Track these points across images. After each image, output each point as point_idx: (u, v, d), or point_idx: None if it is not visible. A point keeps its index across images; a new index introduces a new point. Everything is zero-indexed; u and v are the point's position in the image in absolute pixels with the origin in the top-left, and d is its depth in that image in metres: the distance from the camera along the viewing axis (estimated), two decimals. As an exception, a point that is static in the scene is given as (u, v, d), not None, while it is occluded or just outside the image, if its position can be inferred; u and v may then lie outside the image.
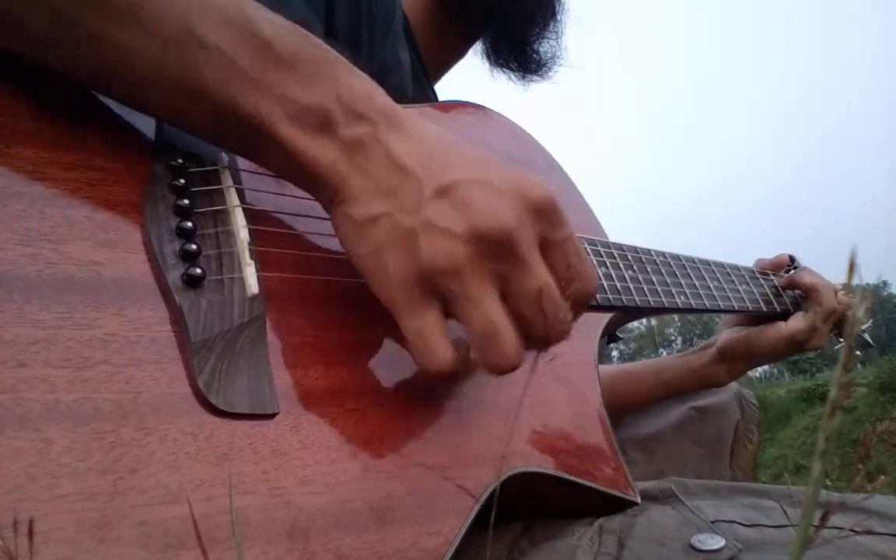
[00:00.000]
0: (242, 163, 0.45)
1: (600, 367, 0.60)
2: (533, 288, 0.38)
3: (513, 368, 0.39)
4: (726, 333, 0.88)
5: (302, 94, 0.39)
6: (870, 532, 0.39)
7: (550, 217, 0.39)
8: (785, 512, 0.43)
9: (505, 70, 0.85)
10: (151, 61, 0.37)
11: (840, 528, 0.38)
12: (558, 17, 0.82)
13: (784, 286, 0.88)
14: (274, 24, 0.39)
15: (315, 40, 0.41)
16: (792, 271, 0.93)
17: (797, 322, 0.84)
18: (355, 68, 0.41)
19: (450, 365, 0.39)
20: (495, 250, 0.38)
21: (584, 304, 0.42)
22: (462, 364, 0.40)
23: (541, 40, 0.82)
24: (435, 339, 0.38)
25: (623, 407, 0.92)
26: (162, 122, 0.43)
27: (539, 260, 0.39)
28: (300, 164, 0.39)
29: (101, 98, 0.42)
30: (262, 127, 0.38)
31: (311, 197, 0.47)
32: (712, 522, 0.44)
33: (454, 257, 0.37)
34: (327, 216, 0.42)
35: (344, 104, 0.39)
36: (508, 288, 0.39)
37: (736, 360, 0.87)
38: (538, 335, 0.40)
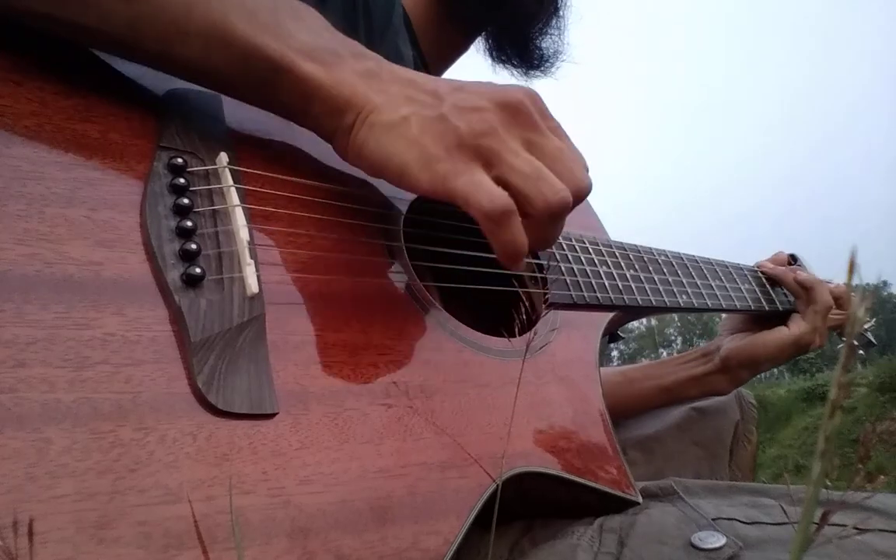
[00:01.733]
0: (242, 163, 0.45)
1: (601, 370, 0.60)
2: (554, 145, 0.45)
3: (565, 200, 0.44)
4: (728, 342, 0.87)
5: (312, 39, 0.45)
6: (871, 530, 0.39)
7: (539, 105, 0.46)
8: (784, 510, 0.43)
9: (507, 66, 0.85)
10: (182, 9, 0.41)
11: (841, 526, 0.38)
12: (561, 13, 0.82)
13: (776, 276, 0.86)
14: None
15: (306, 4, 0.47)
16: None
17: (799, 325, 0.83)
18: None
19: (507, 200, 0.42)
20: (516, 116, 0.44)
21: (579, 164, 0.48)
22: (513, 210, 0.43)
23: (543, 36, 0.82)
24: (488, 184, 0.43)
25: (623, 412, 0.91)
26: (166, 112, 0.44)
27: (548, 130, 0.46)
28: (324, 94, 0.44)
29: (101, 98, 0.42)
30: (285, 66, 0.43)
31: (311, 197, 0.46)
32: (713, 520, 0.44)
33: (489, 121, 0.43)
34: (327, 216, 0.42)
35: (348, 46, 0.46)
36: (532, 148, 0.45)
37: (739, 369, 0.86)
38: (566, 175, 0.45)
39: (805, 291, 0.85)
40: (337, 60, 0.45)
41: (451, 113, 0.43)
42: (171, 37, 0.42)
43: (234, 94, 0.46)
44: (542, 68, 0.84)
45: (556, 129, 0.47)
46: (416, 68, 0.75)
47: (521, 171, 0.43)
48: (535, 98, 0.46)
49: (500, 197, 0.42)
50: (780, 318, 0.85)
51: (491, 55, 0.84)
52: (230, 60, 0.43)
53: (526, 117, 0.45)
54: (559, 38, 0.83)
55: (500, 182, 0.43)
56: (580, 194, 0.46)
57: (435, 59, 0.81)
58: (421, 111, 0.44)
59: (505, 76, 0.85)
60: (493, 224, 0.42)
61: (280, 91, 0.44)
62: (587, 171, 0.47)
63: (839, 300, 0.87)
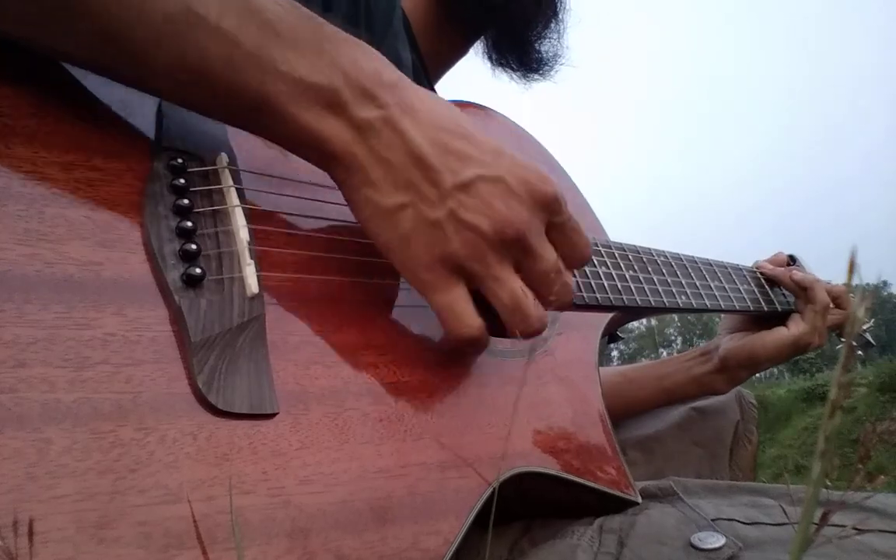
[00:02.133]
0: (242, 163, 0.45)
1: (601, 370, 0.60)
2: (543, 269, 0.44)
3: (541, 328, 0.45)
4: (727, 341, 0.87)
5: (306, 72, 0.39)
6: (870, 530, 0.39)
7: (554, 207, 0.44)
8: (784, 510, 0.43)
9: (506, 69, 0.85)
10: (151, 40, 0.36)
11: (841, 526, 0.38)
12: (560, 16, 0.82)
13: (774, 276, 0.86)
14: (274, 2, 0.39)
15: (316, 17, 0.41)
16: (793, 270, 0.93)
17: (798, 325, 0.83)
18: (361, 42, 0.42)
19: (479, 331, 0.43)
20: (512, 245, 0.43)
21: (583, 264, 0.50)
22: (484, 339, 0.44)
23: (542, 39, 0.82)
24: (464, 310, 0.43)
25: (623, 412, 0.91)
26: (166, 112, 0.43)
27: (547, 245, 0.45)
28: (313, 143, 0.40)
29: (101, 98, 0.42)
30: (269, 106, 0.39)
31: (311, 197, 0.46)
32: (712, 521, 0.44)
33: (480, 248, 0.42)
34: (327, 216, 0.42)
35: (351, 82, 0.40)
36: (523, 268, 0.44)
37: (738, 369, 0.86)
38: (549, 300, 0.46)
39: (803, 291, 0.85)
40: (332, 104, 0.40)
41: (448, 222, 0.41)
42: (143, 71, 0.38)
43: (232, 125, 0.44)
44: (541, 72, 0.84)
45: (562, 236, 0.46)
46: (416, 72, 0.75)
47: (502, 301, 0.43)
48: (544, 209, 0.44)
49: (470, 327, 0.43)
50: (780, 318, 0.85)
51: (490, 58, 0.84)
52: (207, 97, 0.39)
53: (523, 245, 0.43)
54: (558, 41, 0.83)
55: (482, 294, 0.44)
56: (564, 306, 0.48)
57: (434, 62, 0.81)
58: (418, 206, 0.41)
59: (504, 79, 0.85)
60: (465, 346, 0.44)
61: (266, 130, 0.41)
62: (580, 267, 0.50)
63: (837, 300, 0.87)
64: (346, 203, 0.44)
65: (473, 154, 0.42)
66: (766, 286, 0.87)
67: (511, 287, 0.43)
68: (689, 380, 0.88)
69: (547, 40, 0.82)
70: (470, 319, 0.43)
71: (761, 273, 0.88)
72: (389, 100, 0.41)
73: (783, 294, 0.87)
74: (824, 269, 0.93)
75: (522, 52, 0.82)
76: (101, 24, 0.36)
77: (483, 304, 0.44)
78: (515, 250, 0.43)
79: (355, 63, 0.40)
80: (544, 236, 0.45)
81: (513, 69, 0.84)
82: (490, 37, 0.83)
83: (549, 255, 0.45)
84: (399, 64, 0.70)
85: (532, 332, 0.45)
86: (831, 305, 0.86)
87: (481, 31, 0.83)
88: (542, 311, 0.45)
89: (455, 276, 0.43)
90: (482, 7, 0.78)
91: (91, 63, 0.39)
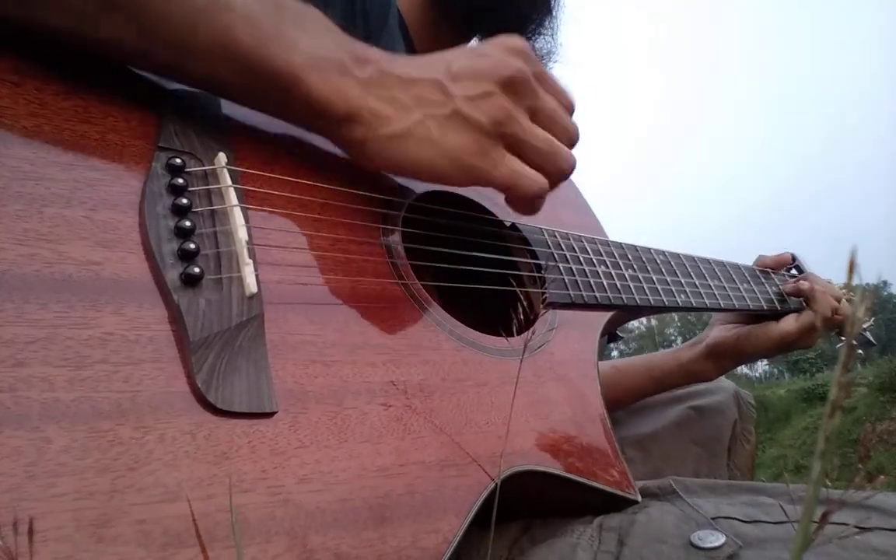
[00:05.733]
0: (241, 163, 0.45)
1: None
2: (550, 106, 0.50)
3: (574, 165, 0.51)
4: (718, 330, 0.90)
5: (316, 48, 0.44)
6: (871, 529, 0.39)
7: (530, 57, 0.49)
8: (783, 509, 0.43)
9: None
10: (187, 26, 0.41)
11: (843, 524, 0.38)
12: (554, 14, 0.82)
13: (790, 293, 0.88)
14: None
15: (313, 8, 0.47)
16: (794, 271, 0.93)
17: (788, 324, 0.85)
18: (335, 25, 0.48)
19: (544, 185, 0.49)
20: (518, 88, 0.47)
21: (572, 107, 0.54)
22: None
23: (537, 37, 0.82)
24: (527, 171, 0.48)
25: (615, 403, 0.92)
26: (165, 112, 0.44)
27: (541, 88, 0.50)
28: (331, 109, 0.44)
29: (100, 98, 0.42)
30: (293, 77, 0.43)
31: (310, 197, 0.46)
32: (712, 519, 0.44)
33: (503, 106, 0.46)
34: (326, 215, 0.42)
35: (349, 52, 0.46)
36: (537, 117, 0.49)
37: (724, 358, 0.89)
38: (562, 139, 0.51)
39: (811, 300, 0.87)
40: (341, 71, 0.45)
41: (465, 106, 0.46)
42: (180, 54, 0.42)
43: (247, 105, 0.47)
44: None
45: (549, 85, 0.51)
46: None
47: (540, 150, 0.49)
48: (529, 58, 0.49)
49: (540, 181, 0.48)
50: (776, 316, 0.86)
51: None
52: (238, 74, 0.43)
53: (526, 86, 0.48)
54: (552, 38, 0.83)
55: (522, 158, 0.48)
56: (573, 144, 0.52)
57: None
58: (434, 111, 0.45)
59: None
60: (531, 203, 0.50)
61: (289, 104, 0.45)
62: (573, 112, 0.53)
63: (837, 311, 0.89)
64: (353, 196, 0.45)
65: (446, 56, 0.49)
66: (766, 285, 0.87)
67: (541, 134, 0.49)
68: (677, 366, 0.91)
69: (541, 37, 0.83)
70: (535, 176, 0.48)
71: (772, 273, 0.89)
72: (373, 58, 0.47)
73: (781, 293, 0.88)
74: (823, 268, 0.94)
75: None
76: (144, 18, 0.40)
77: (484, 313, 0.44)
78: (525, 96, 0.48)
79: (344, 38, 0.47)
80: (538, 86, 0.49)
81: None
82: (485, 34, 0.83)
83: (545, 93, 0.50)
84: None
85: (570, 166, 0.50)
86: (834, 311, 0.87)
87: (476, 29, 0.83)
88: (568, 149, 0.50)
89: (499, 147, 0.47)
90: (476, 5, 0.78)
91: (133, 53, 0.43)
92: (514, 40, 0.49)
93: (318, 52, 0.44)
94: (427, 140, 0.45)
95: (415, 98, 0.46)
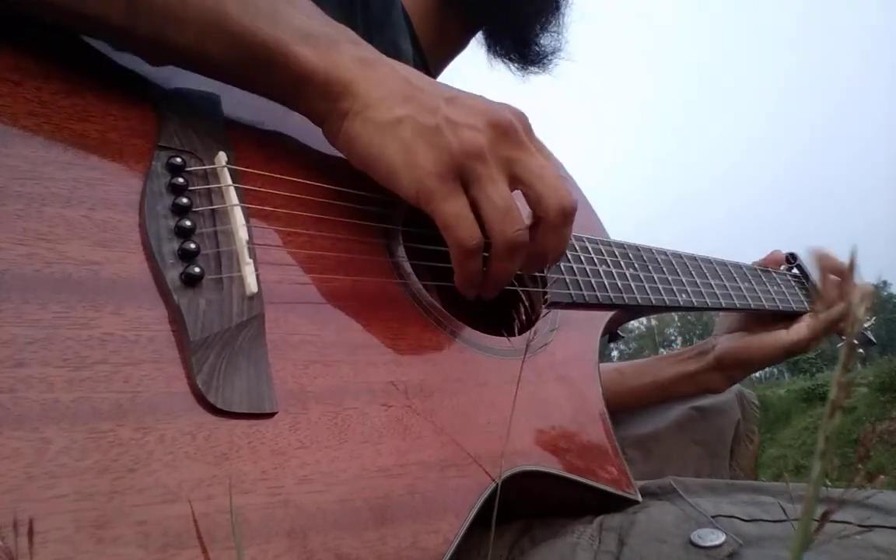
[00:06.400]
0: (241, 162, 0.45)
1: None
2: (537, 164, 0.48)
3: (522, 238, 0.47)
4: (724, 340, 0.87)
5: (308, 24, 0.45)
6: (871, 527, 0.39)
7: (528, 124, 0.49)
8: (783, 508, 0.43)
9: (505, 62, 0.84)
10: (178, 2, 0.41)
11: (843, 523, 0.38)
12: (561, 11, 0.82)
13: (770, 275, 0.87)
14: None
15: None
16: (795, 270, 0.93)
17: (799, 331, 0.84)
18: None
19: (480, 243, 0.46)
20: (503, 136, 0.46)
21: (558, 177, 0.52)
22: (480, 255, 0.47)
23: (543, 33, 0.82)
24: (469, 218, 0.45)
25: (618, 407, 0.91)
26: (165, 112, 0.44)
27: (533, 147, 0.48)
28: (319, 78, 0.44)
29: (100, 98, 0.42)
30: (280, 48, 0.43)
31: (310, 196, 0.46)
32: (712, 518, 0.44)
33: (479, 142, 0.45)
34: (327, 215, 0.42)
35: (342, 32, 0.46)
36: (514, 170, 0.47)
37: (734, 369, 0.87)
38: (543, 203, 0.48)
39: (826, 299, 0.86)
40: (333, 45, 0.45)
41: (446, 125, 0.44)
42: (167, 23, 0.42)
43: (225, 79, 0.46)
44: (540, 65, 0.84)
45: (542, 150, 0.49)
46: (416, 66, 0.75)
47: (494, 202, 0.45)
48: (522, 118, 0.49)
49: (473, 237, 0.45)
50: (781, 316, 0.86)
51: (489, 49, 0.84)
52: (225, 46, 0.43)
53: (513, 137, 0.47)
54: (559, 35, 0.83)
55: (473, 205, 0.46)
56: (567, 209, 0.48)
57: (434, 56, 0.81)
58: (417, 116, 0.44)
59: (502, 70, 0.85)
60: (464, 256, 0.46)
61: (274, 75, 0.44)
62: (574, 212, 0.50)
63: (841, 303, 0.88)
64: (347, 197, 0.44)
65: (448, 88, 0.48)
66: (766, 283, 0.86)
67: (504, 190, 0.46)
68: (685, 377, 0.89)
69: (548, 34, 0.82)
70: (474, 229, 0.45)
71: (772, 271, 0.89)
72: (372, 47, 0.47)
73: (783, 293, 0.88)
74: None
75: (523, 46, 0.82)
76: None
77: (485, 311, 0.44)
78: (508, 146, 0.46)
79: (339, 24, 0.47)
80: (528, 141, 0.48)
81: (512, 61, 0.84)
82: (490, 30, 0.83)
83: (535, 151, 0.48)
84: (399, 56, 0.70)
85: (517, 241, 0.46)
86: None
87: (483, 24, 0.83)
88: (522, 223, 0.47)
89: (457, 182, 0.45)
90: (484, 1, 0.78)
91: (112, 25, 0.42)
92: (517, 109, 0.49)
93: (311, 27, 0.44)
94: (399, 140, 0.44)
95: (405, 93, 0.45)
